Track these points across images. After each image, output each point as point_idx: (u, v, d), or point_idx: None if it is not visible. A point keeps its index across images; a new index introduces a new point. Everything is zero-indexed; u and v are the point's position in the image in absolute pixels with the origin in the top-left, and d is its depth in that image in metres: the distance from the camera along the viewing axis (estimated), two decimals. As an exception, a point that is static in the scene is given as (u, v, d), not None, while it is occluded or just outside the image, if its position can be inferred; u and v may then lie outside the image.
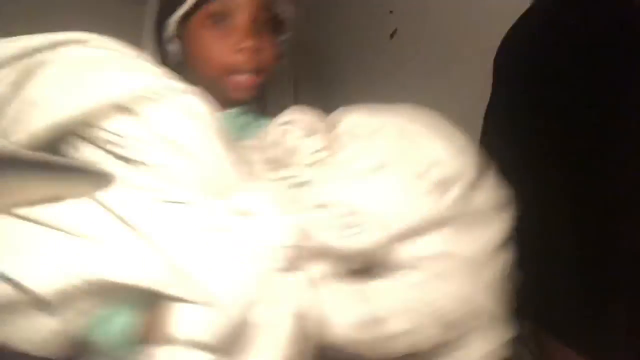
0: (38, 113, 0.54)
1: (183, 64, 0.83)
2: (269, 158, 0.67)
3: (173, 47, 0.82)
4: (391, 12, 2.52)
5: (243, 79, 0.78)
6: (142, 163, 0.55)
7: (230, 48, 0.77)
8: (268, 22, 0.80)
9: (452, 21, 1.74)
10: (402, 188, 0.60)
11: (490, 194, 0.64)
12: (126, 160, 0.55)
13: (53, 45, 0.59)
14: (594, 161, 0.83)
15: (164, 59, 0.83)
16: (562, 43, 0.88)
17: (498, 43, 1.05)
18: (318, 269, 0.57)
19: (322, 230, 0.57)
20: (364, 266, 0.60)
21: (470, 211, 0.61)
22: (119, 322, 0.53)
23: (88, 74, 0.58)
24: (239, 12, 0.76)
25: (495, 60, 1.02)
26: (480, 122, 1.08)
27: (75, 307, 0.50)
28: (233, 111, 0.83)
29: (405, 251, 0.59)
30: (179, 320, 0.50)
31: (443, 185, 0.60)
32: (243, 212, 0.55)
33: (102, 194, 0.53)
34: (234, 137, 0.78)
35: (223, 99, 0.78)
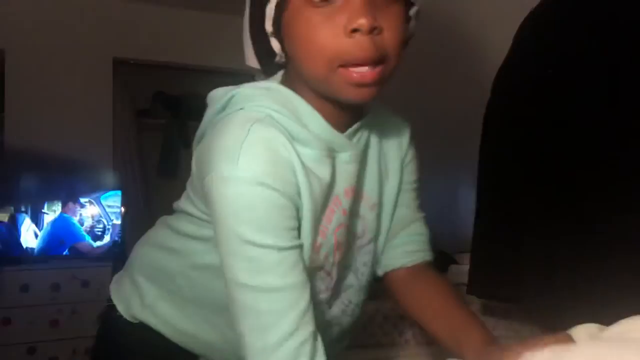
0: None
1: (288, 67, 0.67)
2: None
3: (275, 46, 0.65)
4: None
5: (358, 71, 0.57)
6: None
7: (338, 31, 0.56)
8: None
9: (452, 22, 1.75)
10: None
11: None
12: None
13: None
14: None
15: (268, 65, 0.68)
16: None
17: (497, 43, 1.06)
18: None
19: None
20: None
21: None
22: None
23: None
24: None
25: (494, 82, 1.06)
26: (479, 121, 1.09)
27: None
28: (352, 130, 0.67)
29: None
30: None
31: None
32: None
33: None
34: (356, 165, 0.68)
35: (336, 108, 0.64)
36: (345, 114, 0.66)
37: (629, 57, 0.84)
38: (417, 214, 0.81)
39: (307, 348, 0.59)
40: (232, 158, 0.58)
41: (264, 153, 0.59)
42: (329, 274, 0.70)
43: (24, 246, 2.57)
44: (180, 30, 3.05)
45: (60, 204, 2.65)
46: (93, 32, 2.89)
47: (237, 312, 0.60)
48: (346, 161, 0.67)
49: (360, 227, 0.73)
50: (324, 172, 0.64)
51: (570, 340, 0.51)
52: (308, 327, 0.60)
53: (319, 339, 0.61)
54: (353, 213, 0.71)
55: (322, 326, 0.70)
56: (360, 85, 0.58)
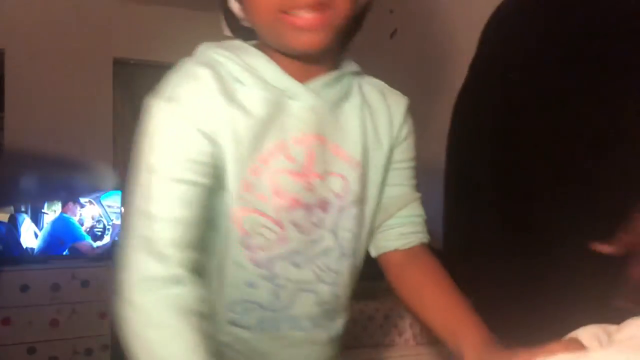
0: None
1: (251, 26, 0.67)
2: None
3: (234, 7, 0.67)
4: (391, 11, 2.53)
5: (302, 16, 0.57)
6: None
7: None
8: None
9: (451, 21, 1.75)
10: None
11: None
12: None
13: None
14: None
15: (238, 31, 0.69)
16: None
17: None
18: None
19: None
20: None
21: None
22: None
23: None
24: None
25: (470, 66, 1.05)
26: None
27: None
28: (318, 82, 0.66)
29: None
30: None
31: None
32: None
33: None
34: (330, 121, 0.67)
35: (295, 60, 0.64)
36: (305, 65, 0.66)
37: (596, 57, 0.82)
38: (414, 194, 0.78)
39: (185, 289, 0.58)
40: (159, 91, 0.62)
41: (187, 85, 0.62)
42: (278, 224, 0.67)
43: (24, 246, 2.57)
44: (180, 30, 3.04)
45: (60, 204, 2.66)
46: (93, 32, 2.89)
47: (127, 236, 0.60)
48: (301, 108, 0.66)
49: (339, 185, 0.70)
50: (260, 111, 0.64)
51: (580, 346, 0.50)
52: (188, 266, 0.59)
53: (203, 287, 0.60)
54: (322, 167, 0.69)
55: (289, 288, 0.69)
56: (305, 30, 0.58)
